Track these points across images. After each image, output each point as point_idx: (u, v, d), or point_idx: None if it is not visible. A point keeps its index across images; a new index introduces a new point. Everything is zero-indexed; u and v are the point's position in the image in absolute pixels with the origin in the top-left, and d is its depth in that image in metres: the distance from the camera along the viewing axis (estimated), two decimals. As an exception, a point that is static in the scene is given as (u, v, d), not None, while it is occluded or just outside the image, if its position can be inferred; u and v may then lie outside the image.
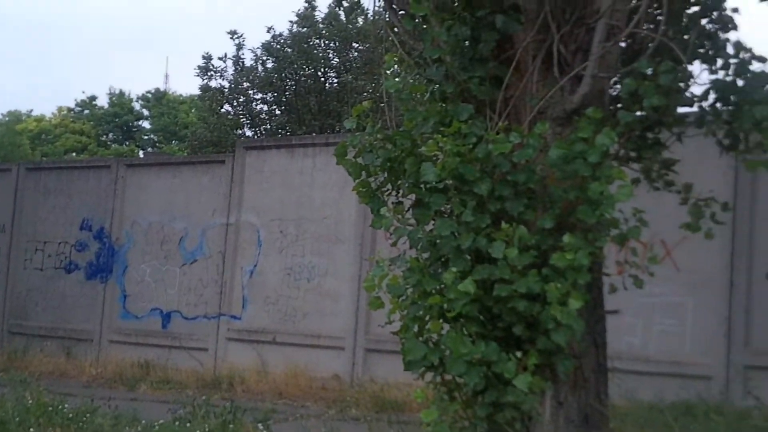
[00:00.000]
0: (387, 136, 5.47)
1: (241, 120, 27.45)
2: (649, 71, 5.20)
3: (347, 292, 14.14)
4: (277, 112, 27.05)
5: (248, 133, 27.14)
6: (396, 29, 6.06)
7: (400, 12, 5.99)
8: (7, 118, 52.84)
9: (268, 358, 14.53)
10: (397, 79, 5.58)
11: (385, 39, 6.13)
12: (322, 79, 26.31)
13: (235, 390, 13.66)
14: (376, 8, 6.68)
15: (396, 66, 5.81)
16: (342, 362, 13.98)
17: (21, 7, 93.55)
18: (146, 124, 51.19)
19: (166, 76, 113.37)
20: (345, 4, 24.23)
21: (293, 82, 26.22)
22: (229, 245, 15.47)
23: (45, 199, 18.01)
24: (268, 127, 26.89)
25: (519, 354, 4.85)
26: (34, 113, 53.93)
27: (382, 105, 5.96)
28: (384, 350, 13.20)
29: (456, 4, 5.54)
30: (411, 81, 5.72)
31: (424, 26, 5.68)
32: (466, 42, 5.45)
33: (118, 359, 15.67)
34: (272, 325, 14.78)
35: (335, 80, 26.40)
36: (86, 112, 52.11)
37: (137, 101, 51.80)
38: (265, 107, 27.28)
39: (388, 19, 6.19)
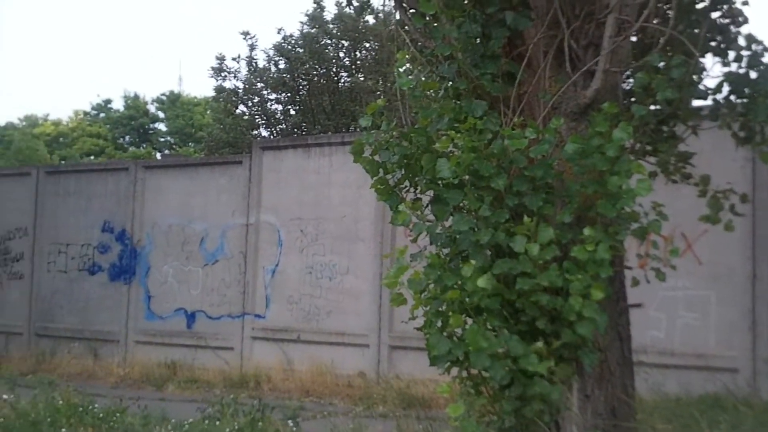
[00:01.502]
0: (402, 133, 5.52)
1: (257, 120, 27.52)
2: (660, 65, 5.24)
3: (368, 290, 14.24)
4: (292, 112, 27.10)
5: (264, 133, 27.21)
6: (406, 27, 6.10)
7: (410, 10, 6.03)
8: (24, 123, 53.24)
9: (293, 356, 14.66)
10: (410, 77, 5.62)
11: (396, 38, 6.18)
12: (335, 78, 26.35)
13: (261, 388, 13.79)
14: (386, 7, 6.73)
15: (408, 64, 5.86)
16: (367, 360, 14.09)
17: (34, 12, 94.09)
18: (162, 127, 51.38)
19: (180, 78, 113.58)
20: (355, 3, 24.23)
21: (306, 82, 26.28)
22: (250, 245, 15.59)
23: (64, 202, 18.15)
24: (283, 127, 26.96)
25: (539, 345, 4.89)
26: (50, 117, 54.33)
27: (396, 103, 6.01)
28: (408, 347, 13.33)
29: (466, 2, 5.58)
30: (423, 78, 5.77)
31: (435, 24, 5.72)
32: (477, 39, 5.48)
33: (145, 360, 15.84)
34: (296, 324, 14.91)
35: (347, 80, 26.44)
36: (102, 115, 52.36)
37: (152, 104, 52.00)
38: (280, 107, 27.35)
39: (398, 18, 6.24)
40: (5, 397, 10.40)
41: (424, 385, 12.30)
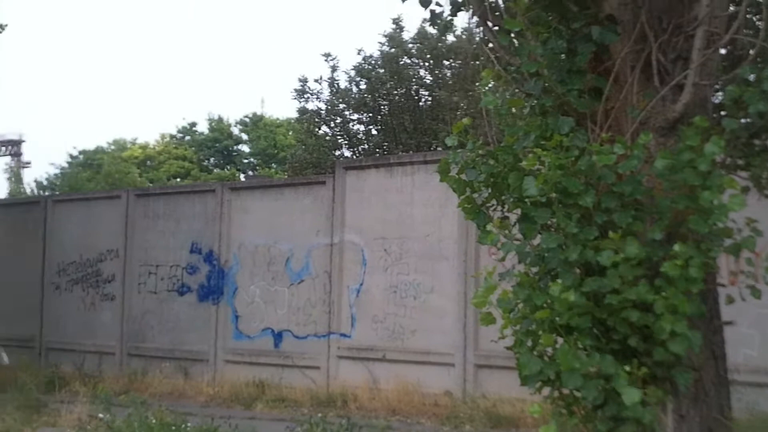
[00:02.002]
0: (488, 151, 5.50)
1: (339, 141, 27.76)
2: (751, 77, 5.13)
3: (453, 309, 14.20)
4: (374, 131, 27.28)
5: (346, 153, 27.46)
6: (491, 45, 6.09)
7: (495, 27, 6.02)
8: (113, 147, 54.71)
9: (379, 375, 14.68)
10: (497, 95, 5.61)
11: (480, 55, 6.18)
12: (415, 97, 26.43)
13: (348, 407, 13.85)
14: (470, 25, 6.73)
15: (492, 82, 5.84)
16: (452, 378, 14.03)
17: (118, 40, 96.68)
18: (245, 148, 52.18)
19: (262, 100, 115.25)
20: (439, 21, 24.28)
21: (387, 102, 26.42)
22: (335, 265, 15.68)
23: (154, 224, 18.51)
24: (366, 147, 27.14)
25: (628, 368, 4.81)
26: (138, 141, 55.70)
27: (480, 120, 6.00)
28: (494, 366, 13.26)
29: (551, 18, 5.56)
30: (508, 96, 5.75)
31: (520, 41, 5.69)
32: (563, 55, 5.45)
33: (234, 379, 16.04)
34: (381, 343, 14.93)
35: (428, 98, 26.51)
36: (187, 138, 53.44)
37: (235, 126, 52.87)
38: (362, 127, 27.55)
39: (482, 36, 6.23)
40: (101, 416, 10.66)
41: (511, 405, 12.22)
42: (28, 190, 50.53)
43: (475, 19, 6.12)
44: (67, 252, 19.80)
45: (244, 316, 16.88)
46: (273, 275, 16.60)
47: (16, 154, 69.77)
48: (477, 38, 6.47)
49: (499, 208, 5.56)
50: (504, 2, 5.68)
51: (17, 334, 19.05)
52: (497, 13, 5.83)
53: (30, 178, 55.84)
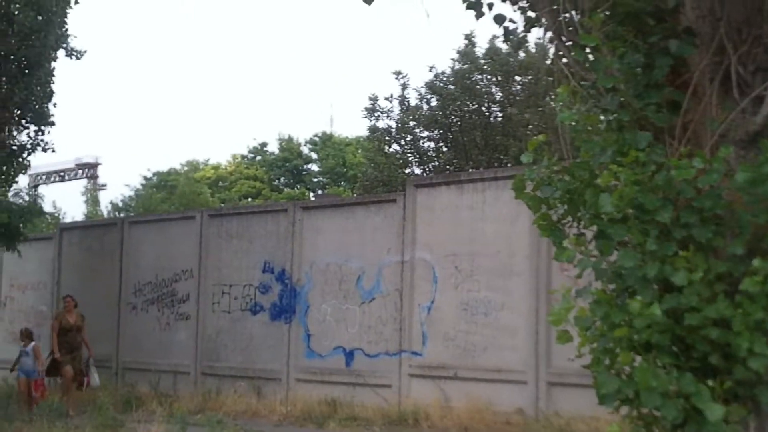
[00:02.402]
0: (564, 168, 5.46)
1: (409, 158, 27.81)
2: (834, 88, 5.01)
3: (524, 326, 14.07)
4: (444, 148, 27.26)
5: (416, 171, 27.48)
6: (565, 60, 6.05)
7: (568, 43, 5.98)
8: (186, 168, 55.63)
9: (450, 393, 14.60)
10: (573, 110, 5.56)
11: (555, 70, 6.12)
12: (486, 113, 26.36)
13: (420, 426, 13.80)
14: (543, 41, 6.68)
15: (567, 97, 5.79)
16: (524, 396, 13.89)
17: (190, 63, 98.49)
18: (314, 167, 52.58)
19: (331, 119, 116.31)
20: (512, 38, 24.27)
21: (458, 119, 26.39)
22: (405, 283, 15.66)
23: (227, 244, 18.70)
24: (436, 164, 27.14)
25: (711, 383, 4.72)
26: (210, 162, 56.54)
27: (551, 137, 5.94)
28: (567, 383, 13.07)
29: (627, 32, 5.51)
30: (583, 111, 5.69)
31: (594, 56, 5.64)
32: (639, 69, 5.40)
33: (306, 397, 16.05)
34: (452, 361, 14.85)
35: (499, 114, 26.41)
36: (258, 158, 54.05)
37: (305, 145, 53.32)
38: (432, 144, 27.56)
39: (558, 51, 6.18)
40: (178, 436, 10.81)
41: (585, 423, 12.04)
42: (104, 212, 51.65)
43: (549, 34, 6.09)
44: (142, 272, 20.14)
45: (315, 334, 16.94)
46: (344, 293, 16.64)
47: (93, 177, 71.47)
48: (550, 54, 6.42)
49: (575, 224, 5.50)
50: (579, 17, 5.63)
51: (95, 354, 19.40)
52: (571, 29, 5.79)
53: (106, 200, 57.11)
